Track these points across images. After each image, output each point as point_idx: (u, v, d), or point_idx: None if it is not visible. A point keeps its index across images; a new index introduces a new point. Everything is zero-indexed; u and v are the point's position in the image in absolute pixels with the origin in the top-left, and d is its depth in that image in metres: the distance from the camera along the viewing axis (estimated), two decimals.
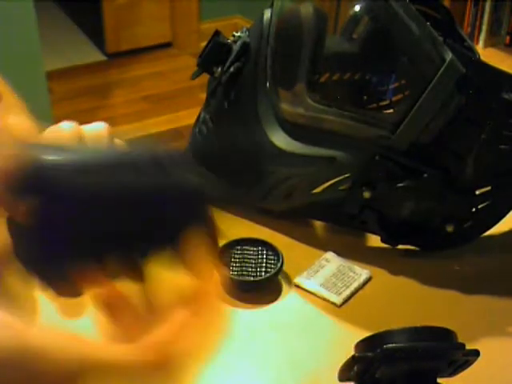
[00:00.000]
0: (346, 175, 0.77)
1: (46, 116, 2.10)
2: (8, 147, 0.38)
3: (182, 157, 0.41)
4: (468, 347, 0.53)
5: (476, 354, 0.54)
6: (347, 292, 0.74)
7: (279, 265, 0.75)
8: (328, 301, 0.74)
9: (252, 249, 0.77)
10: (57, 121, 0.44)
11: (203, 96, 0.86)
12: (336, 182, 0.78)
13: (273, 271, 0.74)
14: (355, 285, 0.75)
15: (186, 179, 0.40)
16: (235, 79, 0.79)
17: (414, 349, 0.52)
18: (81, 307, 0.42)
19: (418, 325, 0.54)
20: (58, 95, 2.68)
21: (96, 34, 3.17)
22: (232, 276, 0.74)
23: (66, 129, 0.43)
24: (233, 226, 0.84)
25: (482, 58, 0.78)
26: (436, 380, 0.54)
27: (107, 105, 2.78)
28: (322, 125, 0.77)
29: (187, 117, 2.53)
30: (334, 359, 0.58)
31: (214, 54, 0.80)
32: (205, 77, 0.83)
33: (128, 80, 2.96)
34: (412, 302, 0.75)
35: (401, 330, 0.53)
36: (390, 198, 0.77)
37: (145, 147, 0.41)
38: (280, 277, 0.76)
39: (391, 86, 0.82)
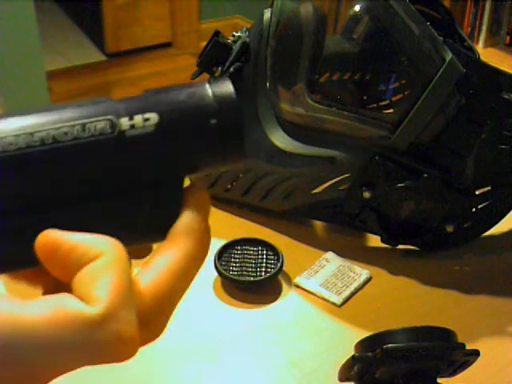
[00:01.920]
0: (346, 175, 0.77)
1: None
2: None
3: None
4: (468, 347, 0.53)
5: (476, 353, 0.54)
6: (347, 292, 0.74)
7: (279, 265, 0.75)
8: (328, 301, 0.73)
9: (252, 249, 0.77)
10: None
11: None
12: (336, 182, 0.78)
13: (273, 271, 0.74)
14: (355, 285, 0.75)
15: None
16: (235, 79, 0.79)
17: (414, 349, 0.52)
18: None
19: (418, 325, 0.54)
20: (58, 95, 2.67)
21: (96, 34, 3.17)
22: (232, 276, 0.74)
23: None
24: (233, 226, 0.84)
25: (482, 58, 0.78)
26: (436, 380, 0.54)
27: None
28: (322, 125, 0.77)
29: None
30: (334, 359, 0.58)
31: (214, 53, 0.80)
32: (205, 77, 0.83)
33: (128, 80, 2.95)
34: (412, 302, 0.75)
35: (401, 329, 0.53)
36: (390, 198, 0.77)
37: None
38: (280, 277, 0.76)
39: (391, 86, 0.82)
